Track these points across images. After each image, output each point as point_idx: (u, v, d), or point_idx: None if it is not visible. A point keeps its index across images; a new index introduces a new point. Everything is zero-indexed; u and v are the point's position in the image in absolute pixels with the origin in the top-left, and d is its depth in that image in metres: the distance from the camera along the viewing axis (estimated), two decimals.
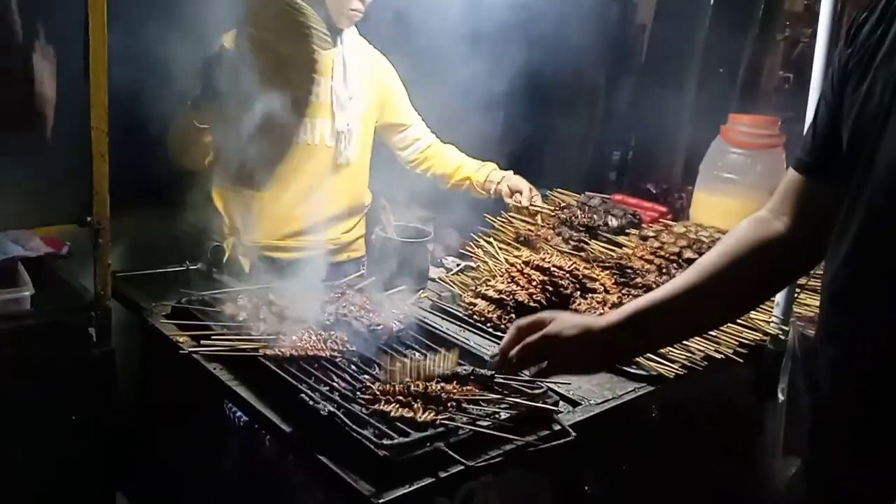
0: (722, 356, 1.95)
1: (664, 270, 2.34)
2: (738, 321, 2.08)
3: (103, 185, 1.80)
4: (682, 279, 1.36)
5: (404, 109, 2.66)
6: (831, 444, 1.19)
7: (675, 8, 4.33)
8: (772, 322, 2.11)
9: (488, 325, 2.04)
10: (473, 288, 2.19)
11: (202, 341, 1.67)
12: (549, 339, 1.41)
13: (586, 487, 1.89)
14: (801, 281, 2.25)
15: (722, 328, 2.03)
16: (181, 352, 1.68)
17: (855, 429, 1.14)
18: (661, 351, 1.89)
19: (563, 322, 1.42)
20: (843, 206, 1.14)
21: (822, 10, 1.97)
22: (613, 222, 2.70)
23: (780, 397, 2.11)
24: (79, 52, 1.76)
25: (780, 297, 2.14)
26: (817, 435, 1.24)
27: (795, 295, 2.17)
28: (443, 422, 1.46)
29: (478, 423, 1.49)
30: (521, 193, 2.64)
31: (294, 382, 1.55)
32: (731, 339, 2.02)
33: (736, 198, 2.81)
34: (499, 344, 1.88)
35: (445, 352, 1.65)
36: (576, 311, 2.04)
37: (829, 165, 1.22)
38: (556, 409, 1.62)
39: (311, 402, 1.48)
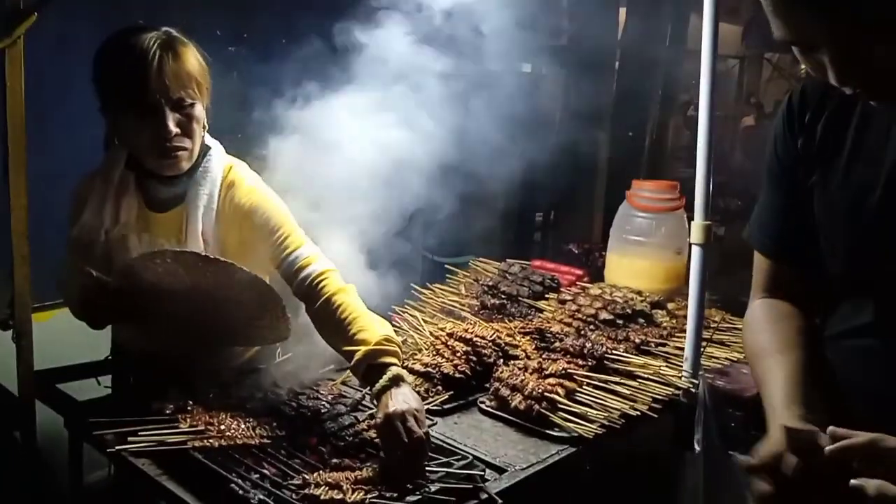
0: (638, 412, 2.05)
1: (582, 333, 2.46)
2: (650, 377, 2.20)
3: (25, 287, 1.82)
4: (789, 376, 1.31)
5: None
6: None
7: (583, 76, 4.58)
8: (682, 376, 2.23)
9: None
10: None
11: (129, 438, 1.68)
12: None
13: None
14: (706, 335, 2.40)
15: (635, 386, 2.14)
16: (108, 450, 1.68)
17: None
18: (579, 411, 1.99)
19: None
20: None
21: (703, 73, 2.13)
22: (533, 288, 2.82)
23: (697, 448, 2.22)
24: None
25: (688, 352, 2.27)
26: None
27: (702, 349, 2.30)
28: (372, 501, 1.51)
29: (406, 498, 1.54)
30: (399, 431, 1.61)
31: (224, 472, 1.58)
32: (646, 395, 2.12)
33: (645, 258, 3.00)
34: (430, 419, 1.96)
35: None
36: (499, 378, 2.12)
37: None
38: (483, 476, 1.68)
39: (240, 492, 1.51)
